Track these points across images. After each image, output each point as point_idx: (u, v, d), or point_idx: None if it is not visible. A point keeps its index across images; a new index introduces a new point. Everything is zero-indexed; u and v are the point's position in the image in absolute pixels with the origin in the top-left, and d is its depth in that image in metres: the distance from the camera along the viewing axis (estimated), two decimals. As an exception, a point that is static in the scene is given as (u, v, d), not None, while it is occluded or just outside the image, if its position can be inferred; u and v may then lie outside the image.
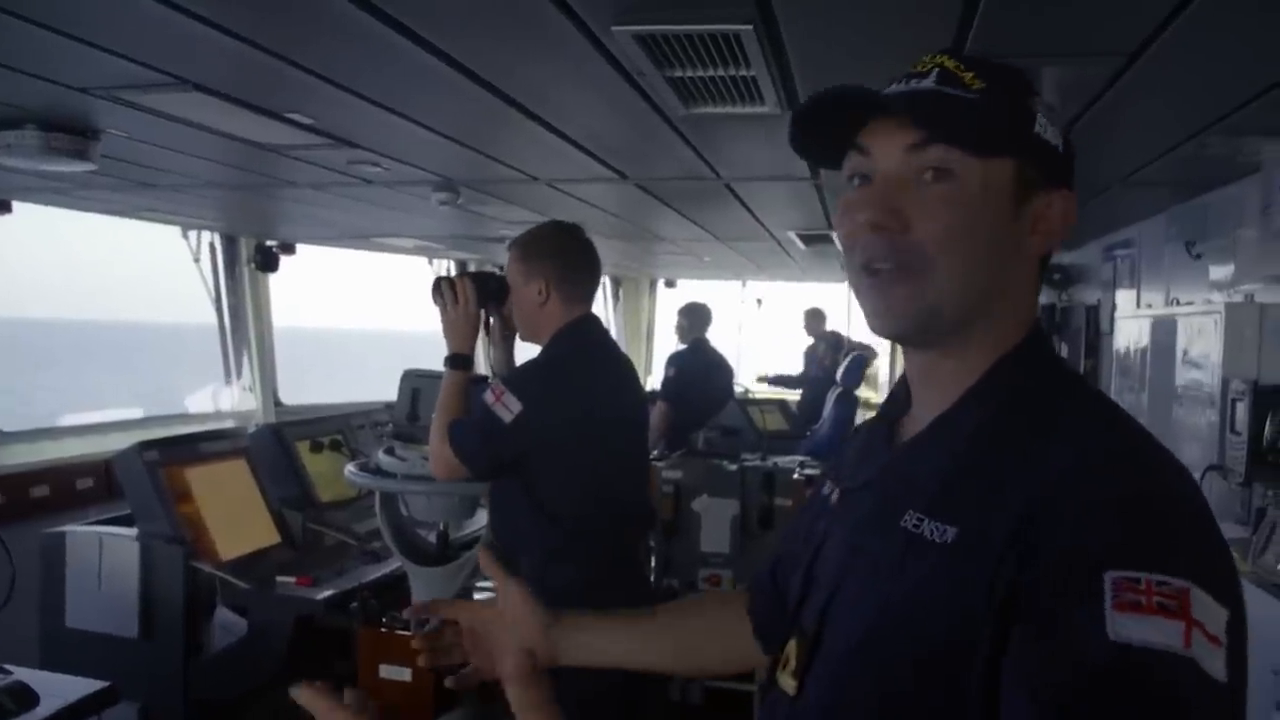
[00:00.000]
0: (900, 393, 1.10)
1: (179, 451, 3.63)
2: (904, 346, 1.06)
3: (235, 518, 3.63)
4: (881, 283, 0.97)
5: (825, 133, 1.02)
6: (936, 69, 0.98)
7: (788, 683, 1.04)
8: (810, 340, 9.61)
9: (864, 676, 0.94)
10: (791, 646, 1.05)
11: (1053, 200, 0.98)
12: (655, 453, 5.22)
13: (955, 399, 1.00)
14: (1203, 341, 3.69)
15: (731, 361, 7.14)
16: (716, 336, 7.03)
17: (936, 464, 0.97)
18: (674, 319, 7.11)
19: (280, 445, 4.13)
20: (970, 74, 0.97)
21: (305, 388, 7.77)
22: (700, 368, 6.72)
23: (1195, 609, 0.78)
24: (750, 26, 2.01)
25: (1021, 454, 0.91)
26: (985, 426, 0.96)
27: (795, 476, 4.71)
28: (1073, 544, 0.82)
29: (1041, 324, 1.04)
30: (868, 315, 1.01)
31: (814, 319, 9.59)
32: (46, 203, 4.83)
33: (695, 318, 6.94)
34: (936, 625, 0.88)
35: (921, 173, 0.95)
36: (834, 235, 4.37)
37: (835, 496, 1.11)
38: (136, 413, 5.91)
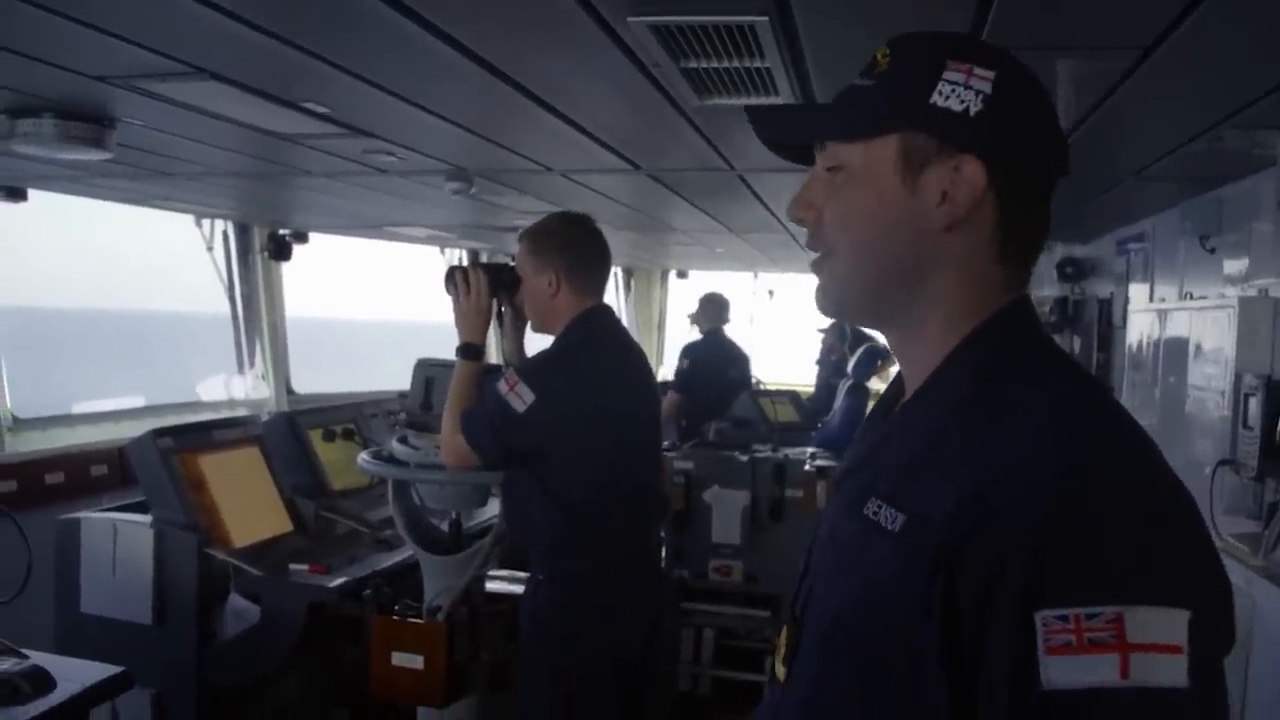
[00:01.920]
0: (899, 377, 1.12)
1: (192, 439, 3.64)
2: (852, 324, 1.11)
3: (248, 505, 3.64)
4: (814, 267, 1.06)
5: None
6: (869, 62, 1.02)
7: (780, 669, 1.05)
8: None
9: (832, 661, 0.96)
10: (784, 633, 1.07)
11: (959, 166, 0.96)
12: (667, 443, 5.22)
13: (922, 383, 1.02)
14: (1216, 335, 3.68)
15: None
16: (728, 328, 7.03)
17: (899, 450, 0.98)
18: (692, 308, 7.12)
19: (293, 433, 4.14)
20: (889, 59, 1.00)
21: (317, 378, 7.80)
22: (714, 359, 6.72)
23: (1132, 631, 0.77)
24: (766, 18, 2.01)
25: (964, 445, 0.91)
26: (943, 413, 0.96)
27: (806, 468, 4.72)
28: (1002, 571, 0.82)
29: (1023, 303, 1.02)
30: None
31: None
32: (62, 190, 4.85)
33: (712, 308, 6.94)
34: (890, 611, 0.89)
35: (827, 167, 1.03)
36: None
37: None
38: (150, 400, 5.93)
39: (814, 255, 1.07)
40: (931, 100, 0.96)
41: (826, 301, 1.08)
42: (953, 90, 0.96)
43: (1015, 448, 0.87)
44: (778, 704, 1.04)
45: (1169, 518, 0.85)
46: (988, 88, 0.95)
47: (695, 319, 7.02)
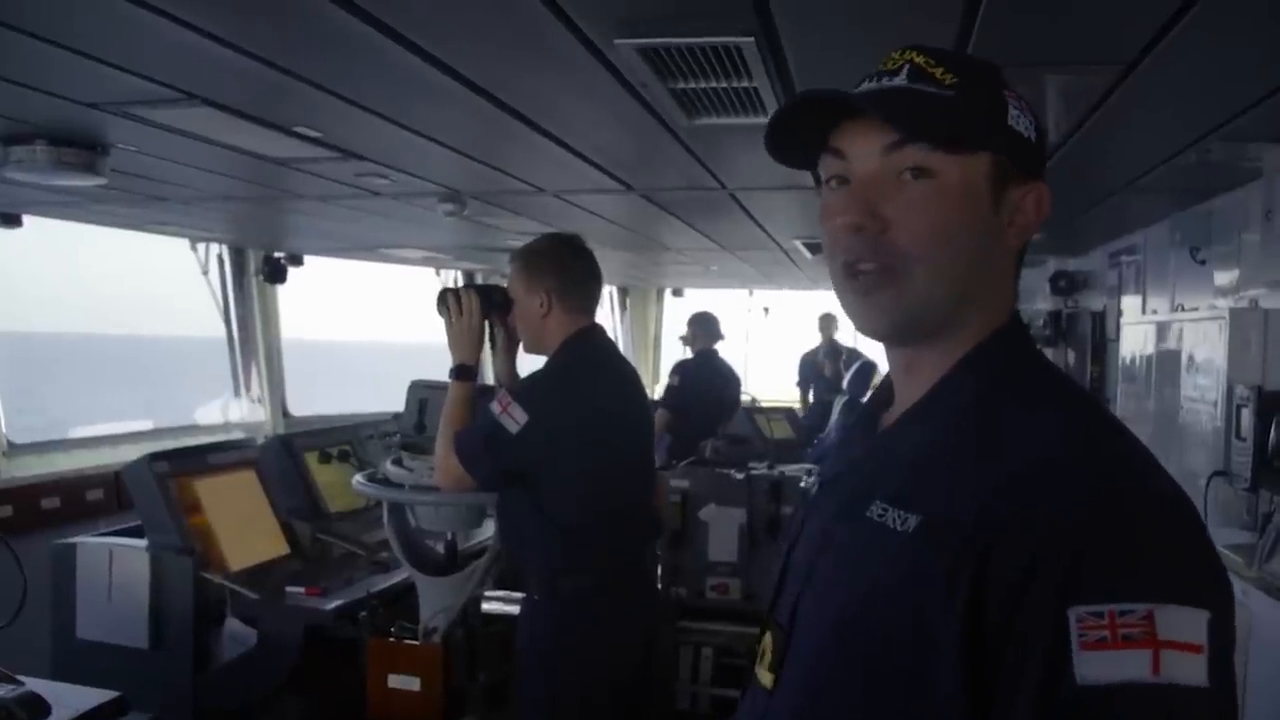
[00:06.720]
0: (885, 385, 1.12)
1: (188, 463, 3.63)
2: (888, 345, 1.06)
3: (244, 529, 3.64)
4: (864, 285, 0.98)
5: (799, 136, 1.03)
6: (907, 65, 0.98)
7: (765, 676, 1.05)
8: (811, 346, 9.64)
9: (834, 667, 0.95)
10: (768, 640, 1.06)
11: (1028, 192, 0.99)
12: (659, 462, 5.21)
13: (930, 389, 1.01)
14: (1207, 347, 3.70)
15: (739, 370, 7.14)
16: (724, 345, 7.03)
17: (905, 454, 0.98)
18: (683, 328, 7.10)
19: (289, 456, 4.14)
20: (941, 69, 0.97)
21: (313, 400, 7.79)
22: (706, 378, 6.71)
23: (1162, 629, 0.78)
24: (751, 39, 2.02)
25: (984, 446, 0.91)
26: (955, 416, 0.97)
27: (802, 485, 4.71)
28: (1036, 567, 0.82)
29: (1019, 313, 1.05)
30: (852, 317, 1.01)
31: (827, 323, 9.58)
32: (57, 216, 4.86)
33: (706, 327, 6.92)
34: (901, 614, 0.89)
35: (899, 173, 0.96)
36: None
37: (815, 489, 1.13)
38: (146, 425, 5.93)
39: (831, 270, 1.01)
40: (1009, 123, 0.98)
41: (888, 321, 0.99)
42: (1018, 115, 0.98)
43: (1042, 449, 0.88)
44: (764, 712, 1.03)
45: (1188, 522, 0.87)
46: (1033, 116, 1.00)
47: (688, 339, 7.01)
